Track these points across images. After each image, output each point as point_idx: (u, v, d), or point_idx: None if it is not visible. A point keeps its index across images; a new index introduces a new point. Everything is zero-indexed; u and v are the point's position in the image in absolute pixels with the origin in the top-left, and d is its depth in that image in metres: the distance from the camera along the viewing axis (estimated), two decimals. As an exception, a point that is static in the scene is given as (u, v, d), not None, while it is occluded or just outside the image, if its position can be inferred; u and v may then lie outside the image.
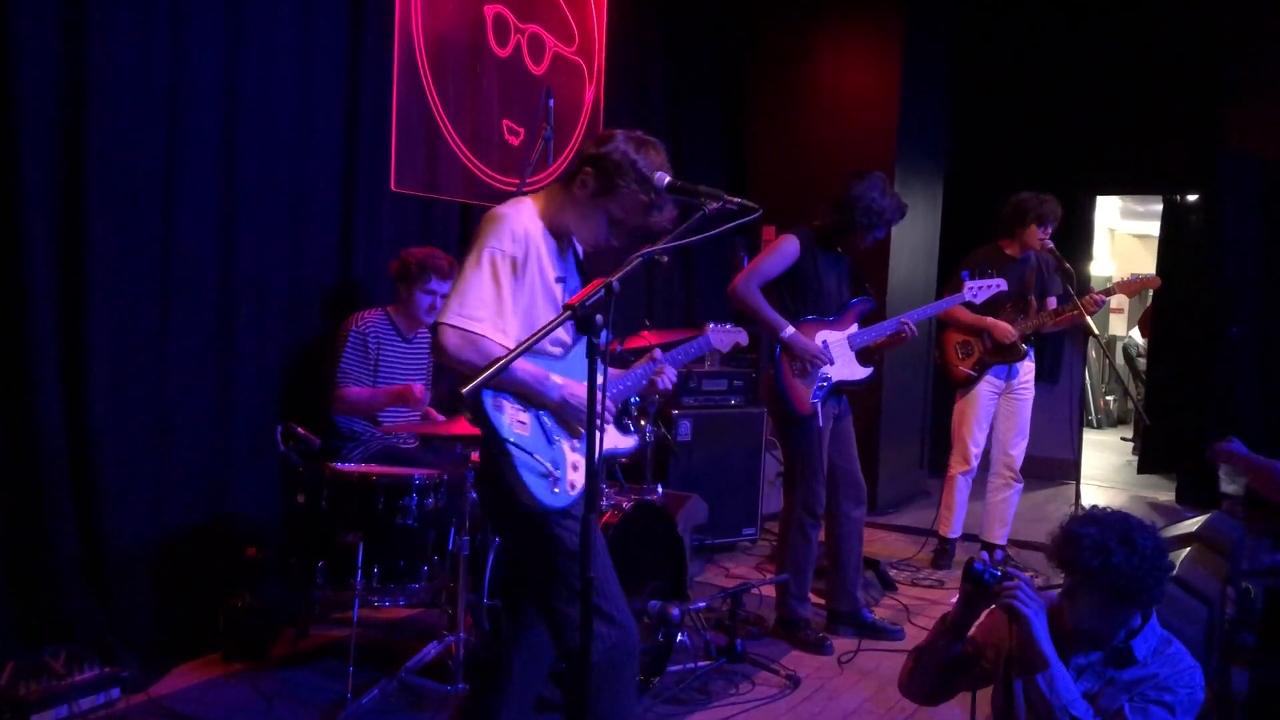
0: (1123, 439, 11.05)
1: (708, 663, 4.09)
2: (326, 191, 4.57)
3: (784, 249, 4.40)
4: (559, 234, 2.66)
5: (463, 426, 3.59)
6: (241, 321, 4.21)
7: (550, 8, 5.87)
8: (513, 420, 2.52)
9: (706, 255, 7.17)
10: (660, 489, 4.39)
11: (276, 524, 4.32)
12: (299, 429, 3.89)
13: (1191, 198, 8.37)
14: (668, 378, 2.96)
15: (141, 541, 3.87)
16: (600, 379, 2.17)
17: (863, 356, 4.52)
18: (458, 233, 5.25)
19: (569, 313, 2.12)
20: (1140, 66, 7.74)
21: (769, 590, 4.70)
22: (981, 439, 5.62)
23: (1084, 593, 2.36)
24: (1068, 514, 2.52)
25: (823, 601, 4.68)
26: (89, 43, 3.57)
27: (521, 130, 5.59)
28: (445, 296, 2.50)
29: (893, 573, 5.45)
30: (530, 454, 2.51)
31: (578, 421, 2.62)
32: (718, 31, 7.49)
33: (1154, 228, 9.44)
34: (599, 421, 2.18)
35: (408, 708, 3.64)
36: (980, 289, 4.71)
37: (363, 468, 3.95)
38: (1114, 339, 12.31)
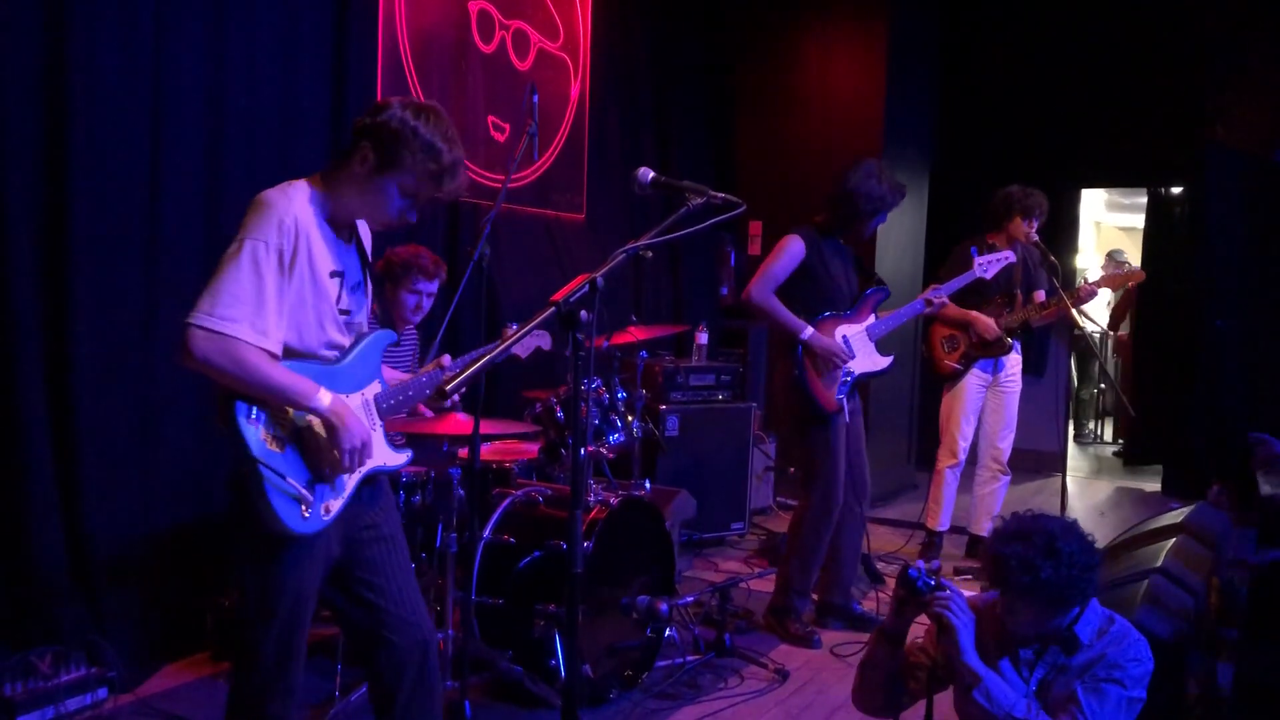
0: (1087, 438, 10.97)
1: (696, 657, 4.10)
2: (312, 189, 4.55)
3: (790, 250, 4.40)
4: (339, 222, 2.44)
5: (449, 424, 3.59)
6: (227, 320, 4.19)
7: (535, 4, 5.86)
8: (267, 436, 2.30)
9: (693, 250, 7.17)
10: (648, 484, 4.39)
11: (264, 523, 4.31)
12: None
13: (1176, 190, 8.40)
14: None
15: (128, 541, 3.85)
16: (584, 376, 2.14)
17: (882, 346, 4.56)
18: (444, 231, 5.24)
19: (553, 308, 2.09)
20: (1125, 60, 7.77)
21: (757, 585, 4.72)
22: (969, 432, 5.64)
23: (1020, 607, 2.41)
24: (998, 522, 2.55)
25: (814, 595, 4.69)
26: (71, 44, 3.54)
27: (507, 126, 5.58)
28: (202, 292, 2.24)
29: (880, 566, 5.47)
30: (281, 476, 2.29)
31: (337, 448, 2.36)
32: (704, 27, 7.49)
33: (1139, 220, 9.48)
34: (583, 423, 2.14)
35: (396, 705, 3.63)
36: (990, 263, 4.75)
37: (349, 465, 3.94)
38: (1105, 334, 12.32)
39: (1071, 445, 9.55)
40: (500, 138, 5.56)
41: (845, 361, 4.37)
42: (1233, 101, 7.19)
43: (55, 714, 3.35)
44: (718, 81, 7.62)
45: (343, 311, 2.46)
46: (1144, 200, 8.82)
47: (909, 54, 7.38)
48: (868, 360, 4.49)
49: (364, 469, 2.49)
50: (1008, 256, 4.79)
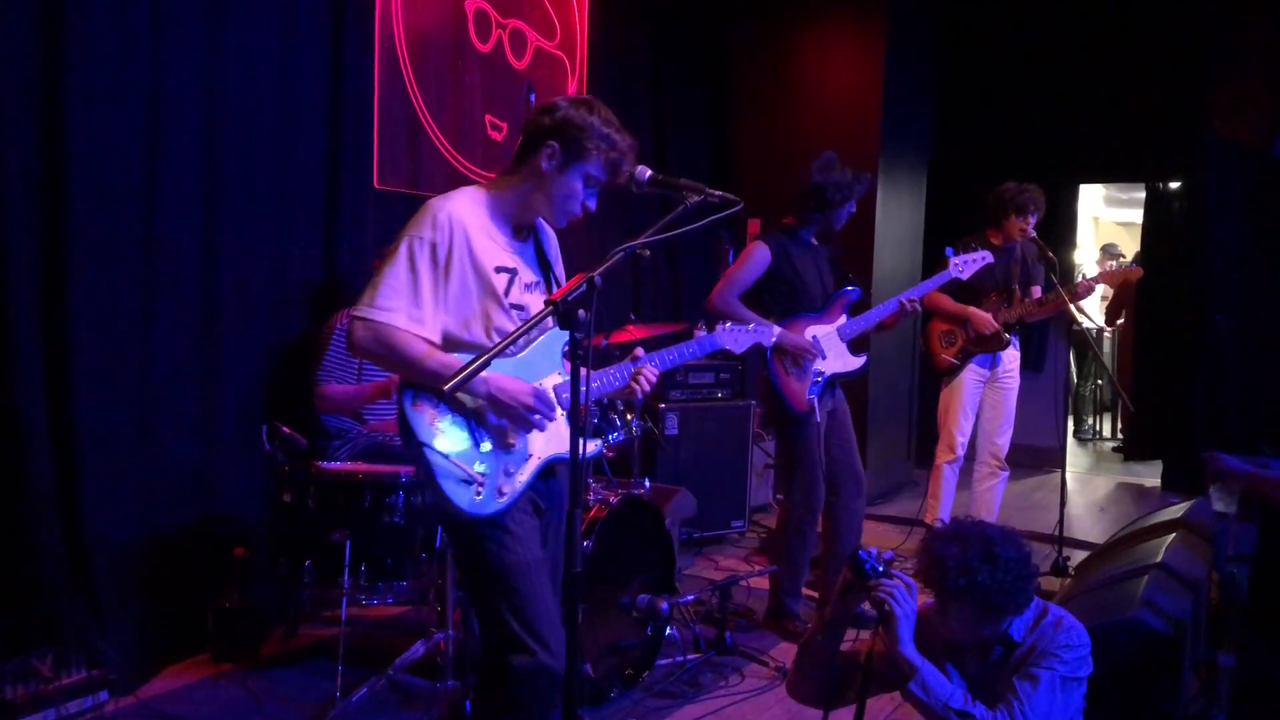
0: (1083, 437, 10.86)
1: (697, 655, 4.10)
2: (310, 189, 4.55)
3: (754, 257, 4.41)
4: (517, 223, 2.57)
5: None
6: (225, 320, 4.19)
7: (532, 3, 5.86)
8: (432, 421, 2.40)
9: (691, 248, 7.16)
10: (648, 483, 4.39)
11: (264, 523, 4.31)
12: (284, 428, 3.88)
13: (1174, 185, 8.41)
14: (646, 380, 2.71)
15: (128, 543, 3.85)
16: (584, 374, 2.14)
17: (854, 346, 4.53)
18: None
19: (551, 308, 2.09)
20: (1123, 55, 7.76)
21: (758, 582, 4.71)
22: (968, 428, 5.63)
23: (954, 610, 2.42)
24: (936, 529, 2.56)
25: (814, 594, 4.68)
26: (67, 43, 3.54)
27: (504, 125, 5.58)
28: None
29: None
30: (446, 458, 2.38)
31: (513, 419, 2.47)
32: (701, 24, 7.48)
33: (1138, 215, 9.48)
34: (583, 420, 2.13)
35: (397, 705, 3.64)
36: (966, 264, 4.71)
37: (349, 466, 3.95)
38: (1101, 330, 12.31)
39: (1071, 441, 9.55)
40: (498, 136, 5.56)
41: (814, 358, 4.37)
42: (1230, 96, 7.18)
43: (56, 716, 3.35)
44: (715, 79, 7.62)
45: (515, 306, 2.52)
46: (1142, 195, 8.82)
47: (907, 51, 7.37)
48: (839, 360, 4.47)
49: (543, 457, 2.55)
50: (985, 257, 4.74)
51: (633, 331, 4.85)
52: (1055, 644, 2.40)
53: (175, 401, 4.03)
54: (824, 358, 4.41)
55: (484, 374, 2.34)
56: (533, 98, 4.47)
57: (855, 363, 4.52)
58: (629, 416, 4.40)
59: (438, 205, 2.47)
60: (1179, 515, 3.85)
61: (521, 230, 2.59)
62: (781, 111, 7.44)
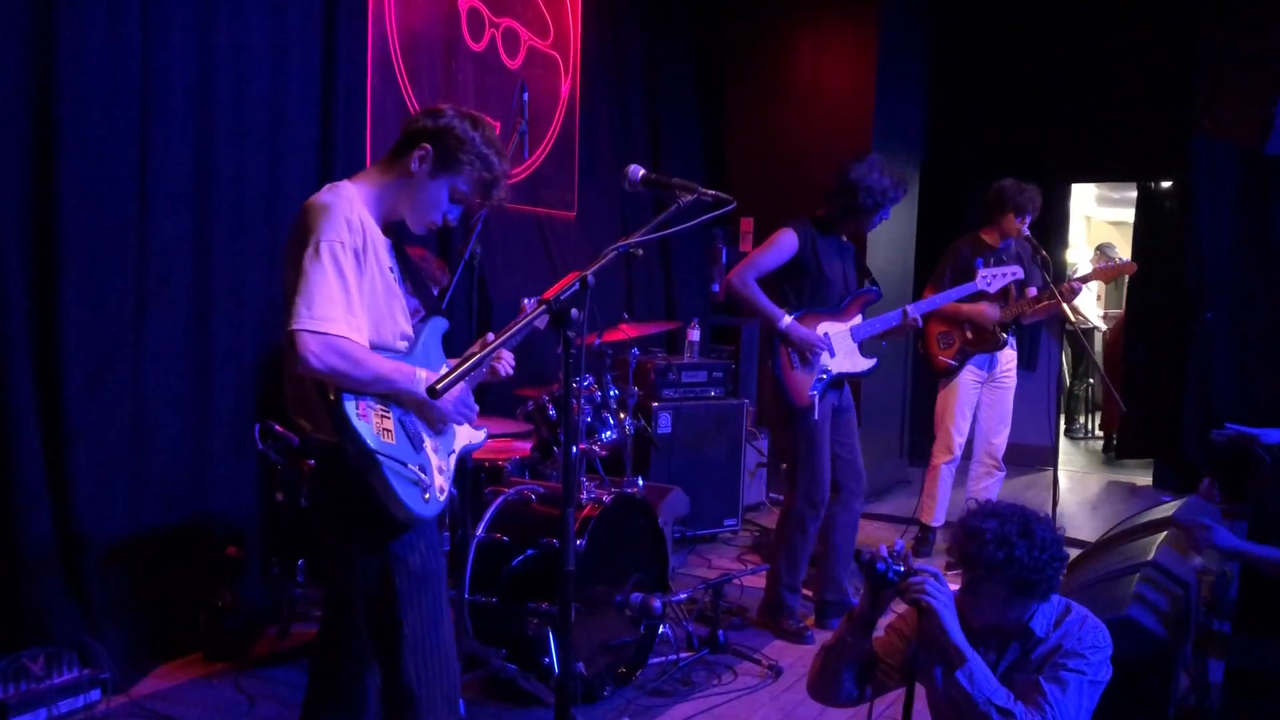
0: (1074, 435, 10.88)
1: (690, 654, 4.11)
2: (302, 188, 4.53)
3: (782, 243, 4.36)
4: (385, 220, 2.50)
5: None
6: (218, 319, 4.18)
7: (525, 2, 5.85)
8: (379, 428, 2.31)
9: (684, 247, 7.17)
10: (641, 482, 4.38)
11: (256, 522, 4.30)
12: (277, 426, 3.87)
13: (1166, 185, 8.43)
14: (506, 363, 2.71)
15: (120, 542, 3.84)
16: (575, 375, 2.13)
17: (866, 348, 4.49)
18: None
19: (544, 307, 2.08)
20: (1115, 54, 7.77)
21: (751, 581, 4.72)
22: (965, 428, 5.65)
23: (986, 587, 2.41)
24: (969, 507, 2.56)
25: (809, 592, 4.69)
26: (58, 45, 3.52)
27: (497, 124, 5.45)
28: (289, 299, 2.29)
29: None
30: (402, 463, 2.32)
31: (442, 418, 2.48)
32: (694, 23, 7.48)
33: (1129, 215, 9.50)
34: (573, 418, 2.13)
35: (390, 704, 3.63)
36: (995, 277, 4.64)
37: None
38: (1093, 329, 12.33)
39: (1062, 439, 9.56)
40: (491, 136, 5.55)
41: (820, 353, 4.34)
42: (1221, 95, 7.20)
43: (48, 716, 3.35)
44: (708, 78, 7.62)
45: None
46: (1134, 195, 8.83)
47: (899, 50, 7.39)
48: (848, 360, 4.43)
49: (455, 449, 2.59)
50: (1015, 272, 4.70)
51: (626, 330, 4.85)
52: (1083, 644, 2.40)
53: (167, 399, 4.02)
54: (832, 355, 4.38)
55: (423, 374, 2.35)
56: (526, 97, 4.46)
57: (864, 364, 4.48)
58: (622, 415, 4.41)
59: (343, 206, 2.33)
60: (1170, 513, 3.86)
61: (388, 228, 2.54)
62: (774, 111, 7.45)
